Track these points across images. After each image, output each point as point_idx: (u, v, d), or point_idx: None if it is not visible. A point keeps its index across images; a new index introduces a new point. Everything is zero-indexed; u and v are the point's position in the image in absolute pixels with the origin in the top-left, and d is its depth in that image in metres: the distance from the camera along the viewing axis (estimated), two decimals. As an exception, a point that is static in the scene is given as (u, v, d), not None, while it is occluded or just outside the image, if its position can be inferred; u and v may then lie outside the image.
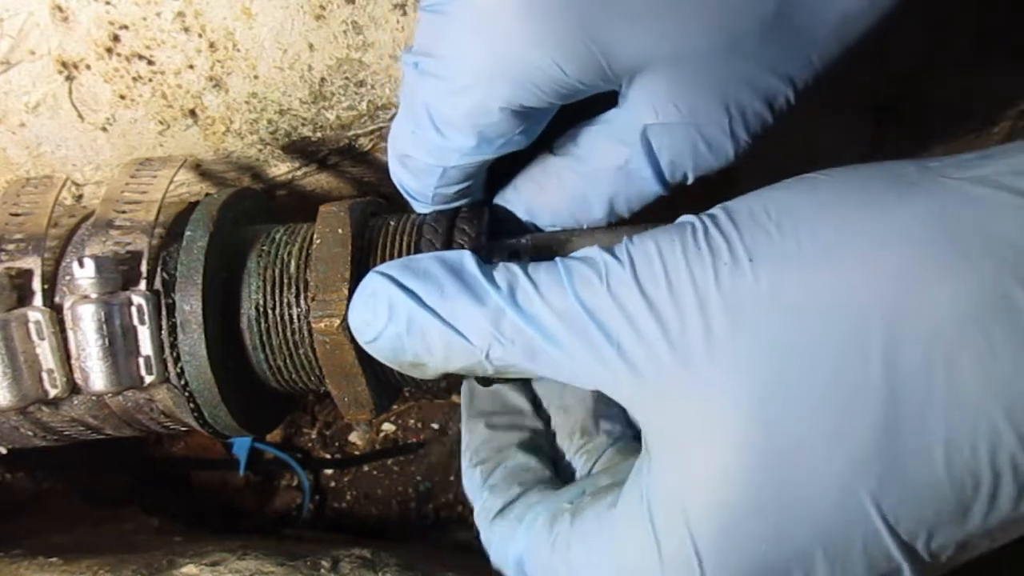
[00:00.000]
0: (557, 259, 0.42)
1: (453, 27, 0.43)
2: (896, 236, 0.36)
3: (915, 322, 0.35)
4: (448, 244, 0.48)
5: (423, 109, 0.45)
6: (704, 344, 0.38)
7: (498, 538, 0.47)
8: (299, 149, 0.63)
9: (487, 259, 0.44)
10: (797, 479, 0.36)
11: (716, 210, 0.41)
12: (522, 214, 0.50)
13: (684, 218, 0.41)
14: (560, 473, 0.52)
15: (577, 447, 0.52)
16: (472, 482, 0.52)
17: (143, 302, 0.48)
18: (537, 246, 0.48)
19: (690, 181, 0.47)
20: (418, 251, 0.48)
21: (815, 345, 0.36)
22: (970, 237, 0.36)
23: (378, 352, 0.44)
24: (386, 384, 0.51)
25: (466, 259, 0.43)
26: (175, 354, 0.49)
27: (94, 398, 0.51)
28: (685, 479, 0.38)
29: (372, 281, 0.44)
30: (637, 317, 0.39)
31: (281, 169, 0.66)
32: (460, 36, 0.43)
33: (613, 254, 0.41)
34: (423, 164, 0.47)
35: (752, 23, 0.41)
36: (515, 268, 0.42)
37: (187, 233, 0.50)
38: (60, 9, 0.54)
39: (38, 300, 0.49)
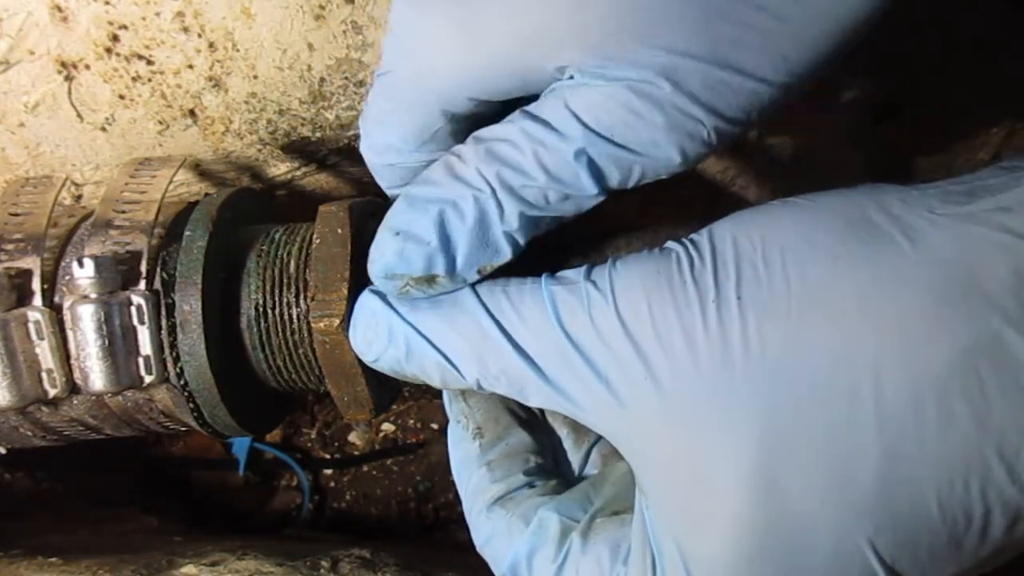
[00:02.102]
0: (542, 281, 0.41)
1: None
2: (885, 282, 0.36)
3: (907, 369, 0.35)
4: None
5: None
6: (695, 389, 0.37)
7: (495, 531, 0.45)
8: (299, 149, 0.63)
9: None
10: (796, 530, 0.36)
11: (701, 237, 0.40)
12: None
13: (669, 245, 0.40)
14: (556, 456, 0.50)
15: (567, 430, 0.50)
16: (464, 452, 0.48)
17: (143, 302, 0.48)
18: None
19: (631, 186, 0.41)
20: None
21: (807, 395, 0.36)
22: (959, 280, 0.35)
23: (381, 370, 0.44)
24: (386, 384, 0.51)
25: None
26: (175, 354, 0.49)
27: (94, 398, 0.51)
28: (685, 532, 0.38)
29: (371, 302, 0.43)
30: (622, 354, 0.38)
31: (281, 169, 0.66)
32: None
33: (595, 283, 0.39)
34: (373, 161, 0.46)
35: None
36: (499, 293, 0.41)
37: (187, 233, 0.50)
38: (59, 9, 0.54)
39: (37, 300, 0.49)
